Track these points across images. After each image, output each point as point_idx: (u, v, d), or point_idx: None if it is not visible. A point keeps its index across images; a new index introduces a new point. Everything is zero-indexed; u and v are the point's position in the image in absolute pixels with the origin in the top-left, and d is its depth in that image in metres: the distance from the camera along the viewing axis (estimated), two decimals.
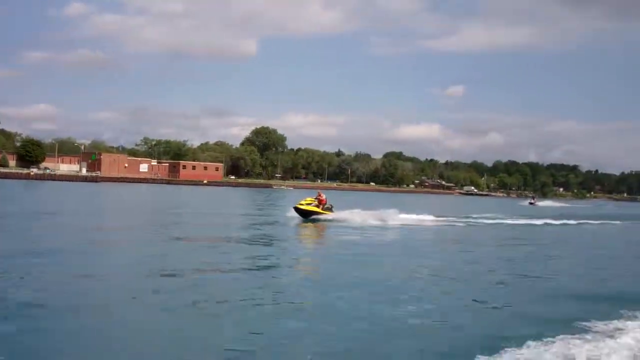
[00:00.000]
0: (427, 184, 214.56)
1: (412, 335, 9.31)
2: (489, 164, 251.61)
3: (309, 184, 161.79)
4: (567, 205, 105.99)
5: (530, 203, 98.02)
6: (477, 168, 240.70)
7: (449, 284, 14.20)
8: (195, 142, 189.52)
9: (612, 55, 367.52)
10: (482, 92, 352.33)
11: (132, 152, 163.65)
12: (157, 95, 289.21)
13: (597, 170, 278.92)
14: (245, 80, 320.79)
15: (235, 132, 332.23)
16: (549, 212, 65.05)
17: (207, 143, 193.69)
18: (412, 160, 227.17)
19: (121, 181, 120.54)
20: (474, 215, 45.93)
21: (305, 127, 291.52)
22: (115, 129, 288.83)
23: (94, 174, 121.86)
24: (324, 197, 34.14)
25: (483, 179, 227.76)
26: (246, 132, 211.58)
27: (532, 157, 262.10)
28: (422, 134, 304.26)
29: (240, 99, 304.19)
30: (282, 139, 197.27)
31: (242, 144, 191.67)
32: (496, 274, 16.40)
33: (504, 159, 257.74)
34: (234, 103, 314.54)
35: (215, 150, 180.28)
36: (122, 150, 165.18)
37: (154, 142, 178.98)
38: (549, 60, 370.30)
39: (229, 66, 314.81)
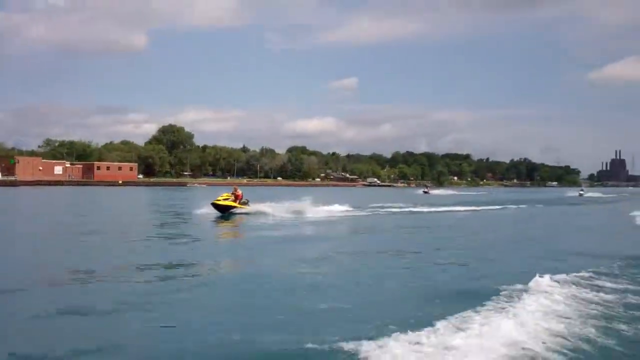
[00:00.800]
0: (332, 177, 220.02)
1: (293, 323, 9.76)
2: (387, 155, 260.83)
3: (220, 180, 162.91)
4: (457, 192, 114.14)
5: (425, 192, 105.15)
6: (377, 160, 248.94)
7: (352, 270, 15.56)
8: (93, 141, 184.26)
9: (495, 46, 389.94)
10: (375, 84, 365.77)
11: (32, 154, 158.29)
12: (48, 94, 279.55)
13: (488, 159, 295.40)
14: (138, 76, 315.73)
15: (130, 129, 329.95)
16: (437, 200, 71.73)
17: (112, 142, 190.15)
18: (316, 154, 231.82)
19: (37, 184, 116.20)
20: (374, 205, 50.44)
21: (202, 123, 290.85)
22: (6, 130, 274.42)
23: (11, 178, 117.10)
24: (240, 192, 36.32)
25: (385, 170, 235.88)
26: (141, 130, 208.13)
27: (424, 147, 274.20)
28: (319, 127, 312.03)
29: (134, 95, 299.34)
30: (189, 136, 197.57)
31: (149, 142, 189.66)
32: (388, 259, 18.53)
33: (398, 150, 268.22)
34: (127, 99, 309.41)
35: (122, 150, 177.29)
36: (18, 152, 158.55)
37: (57, 144, 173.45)
38: (437, 51, 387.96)
39: (120, 61, 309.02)
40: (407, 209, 47.61)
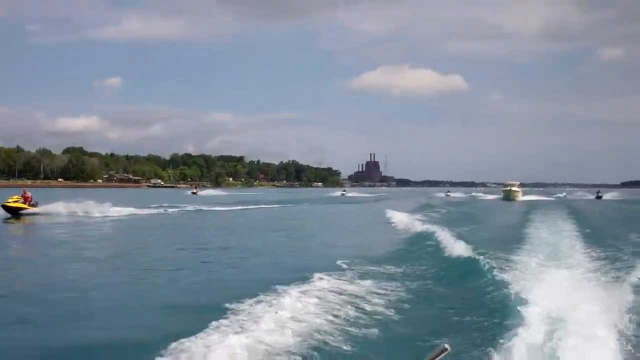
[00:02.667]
0: (115, 178, 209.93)
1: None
2: (158, 155, 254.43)
3: (4, 182, 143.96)
4: (228, 193, 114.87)
5: (193, 193, 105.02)
6: (156, 161, 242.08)
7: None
8: None
9: (263, 52, 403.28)
10: (143, 83, 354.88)
11: None
12: None
13: (259, 160, 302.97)
14: None
15: None
16: (211, 200, 73.25)
17: None
18: (96, 155, 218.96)
19: None
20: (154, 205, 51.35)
21: None
22: None
23: None
24: (29, 194, 37.92)
25: (169, 171, 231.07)
26: None
27: (192, 149, 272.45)
28: (83, 126, 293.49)
29: None
30: None
31: None
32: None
33: (169, 150, 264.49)
34: None
35: None
36: None
37: None
38: (207, 55, 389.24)
39: None
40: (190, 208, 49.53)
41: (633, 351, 7.75)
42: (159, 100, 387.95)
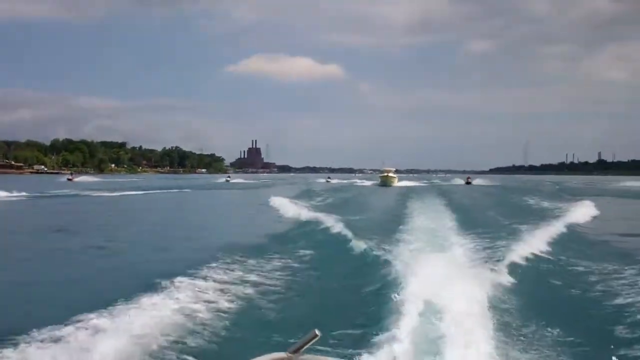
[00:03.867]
0: None
1: None
2: (37, 140, 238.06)
3: None
4: (102, 180, 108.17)
5: (69, 179, 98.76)
6: (37, 147, 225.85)
7: None
8: None
9: (140, 37, 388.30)
10: (8, 66, 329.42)
11: None
12: None
13: (141, 147, 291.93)
14: None
15: None
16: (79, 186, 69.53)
17: None
18: None
19: None
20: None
21: None
22: None
23: None
24: None
25: (53, 157, 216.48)
26: None
27: (70, 134, 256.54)
28: None
29: None
30: None
31: None
32: None
33: (43, 136, 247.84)
34: None
35: None
36: None
37: None
38: (80, 37, 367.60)
39: None
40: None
41: (506, 331, 8.01)
42: (28, 83, 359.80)
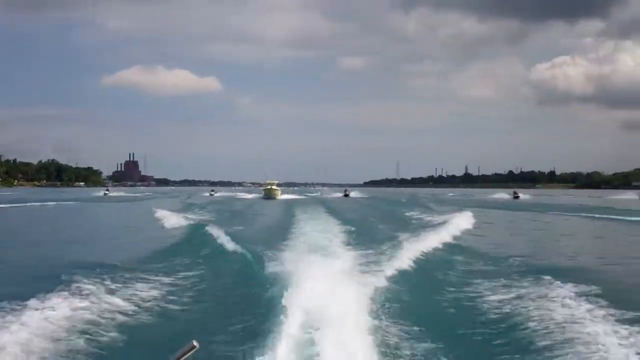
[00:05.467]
0: None
1: None
2: None
3: None
4: None
5: None
6: None
7: None
8: None
9: (10, 44, 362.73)
10: None
11: None
12: None
13: (15, 159, 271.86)
14: None
15: None
16: None
17: None
18: None
19: None
20: None
21: None
22: None
23: None
24: None
25: None
26: None
27: None
28: None
29: None
30: None
31: None
32: None
33: None
34: None
35: None
36: None
37: None
38: None
39: None
40: None
41: (389, 335, 8.30)
42: None
